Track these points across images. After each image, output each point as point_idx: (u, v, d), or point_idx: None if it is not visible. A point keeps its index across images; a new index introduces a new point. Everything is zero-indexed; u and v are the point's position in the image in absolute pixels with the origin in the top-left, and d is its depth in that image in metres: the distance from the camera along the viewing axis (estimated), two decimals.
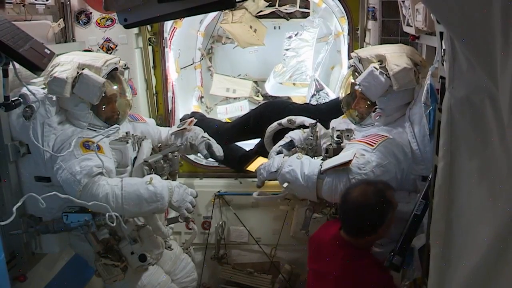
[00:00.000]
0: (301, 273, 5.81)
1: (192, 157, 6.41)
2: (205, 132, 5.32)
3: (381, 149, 3.85)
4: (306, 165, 3.97)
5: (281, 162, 4.19)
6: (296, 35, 8.56)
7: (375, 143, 3.89)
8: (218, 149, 5.18)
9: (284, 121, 5.06)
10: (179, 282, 5.05)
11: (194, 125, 5.33)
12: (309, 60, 8.50)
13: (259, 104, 7.01)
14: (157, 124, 5.59)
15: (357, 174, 3.79)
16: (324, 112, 5.32)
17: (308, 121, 4.84)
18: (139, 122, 5.05)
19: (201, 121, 6.50)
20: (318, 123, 4.77)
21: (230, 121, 7.70)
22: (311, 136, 4.62)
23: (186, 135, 5.15)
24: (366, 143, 3.92)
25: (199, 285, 5.99)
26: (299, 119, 4.92)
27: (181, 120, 6.85)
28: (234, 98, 8.84)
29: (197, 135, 5.16)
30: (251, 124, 6.27)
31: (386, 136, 3.95)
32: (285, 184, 4.05)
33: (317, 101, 7.39)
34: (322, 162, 3.98)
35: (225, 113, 8.57)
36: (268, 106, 6.50)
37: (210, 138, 5.23)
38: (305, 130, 4.85)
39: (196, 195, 4.45)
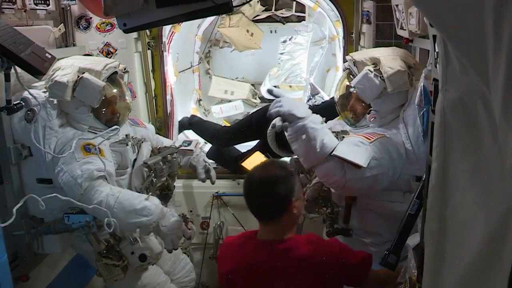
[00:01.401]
0: None
1: None
2: (203, 134, 5.37)
3: (377, 144, 3.84)
4: (329, 135, 3.86)
5: (308, 114, 3.88)
6: (290, 39, 8.59)
7: (372, 138, 3.88)
8: (214, 175, 5.42)
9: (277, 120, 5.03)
10: (178, 282, 5.06)
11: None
12: (304, 62, 8.56)
13: (262, 107, 7.01)
14: (155, 127, 5.62)
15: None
16: (319, 113, 5.36)
17: None
18: (139, 127, 5.06)
19: (200, 124, 6.51)
20: None
21: (228, 124, 7.73)
22: None
23: (189, 155, 5.20)
24: (364, 137, 3.91)
25: (198, 284, 6.00)
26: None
27: (179, 123, 6.87)
28: (230, 101, 8.85)
29: (199, 158, 5.24)
30: (253, 125, 6.29)
31: (383, 135, 3.95)
32: (304, 136, 3.81)
33: (312, 104, 7.41)
34: (337, 146, 3.85)
35: (220, 112, 8.59)
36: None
37: (210, 164, 5.33)
38: None
39: (191, 238, 4.40)
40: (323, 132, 3.83)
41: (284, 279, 3.16)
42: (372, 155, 3.81)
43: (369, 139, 3.89)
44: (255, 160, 5.60)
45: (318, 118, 3.91)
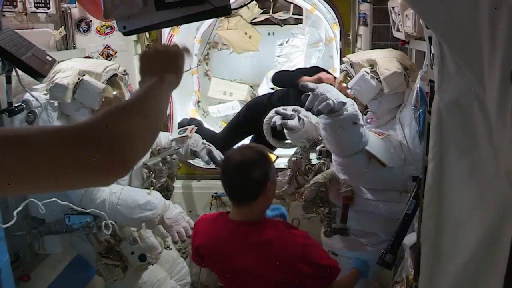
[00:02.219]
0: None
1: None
2: (202, 137, 5.34)
3: (386, 141, 3.84)
4: (363, 130, 3.67)
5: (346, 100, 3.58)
6: (287, 42, 8.61)
7: (382, 135, 3.88)
8: (218, 154, 5.16)
9: (288, 108, 4.95)
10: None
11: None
12: (300, 64, 8.56)
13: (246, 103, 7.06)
14: None
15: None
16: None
17: (311, 116, 4.76)
18: None
19: (198, 127, 6.52)
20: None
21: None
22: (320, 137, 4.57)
23: (187, 142, 5.14)
24: (376, 134, 3.89)
25: (197, 284, 6.00)
26: (304, 111, 4.84)
27: (179, 125, 6.87)
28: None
29: (197, 142, 5.16)
30: (242, 121, 6.32)
31: (388, 133, 3.95)
32: (356, 123, 3.57)
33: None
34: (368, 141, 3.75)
35: (217, 112, 8.59)
36: (252, 100, 6.63)
37: (210, 144, 5.23)
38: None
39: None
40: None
41: (244, 260, 3.20)
42: (391, 151, 3.82)
43: (380, 136, 3.88)
44: None
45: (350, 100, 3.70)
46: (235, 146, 6.60)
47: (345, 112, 3.49)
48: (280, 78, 6.37)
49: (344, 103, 3.47)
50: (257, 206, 3.25)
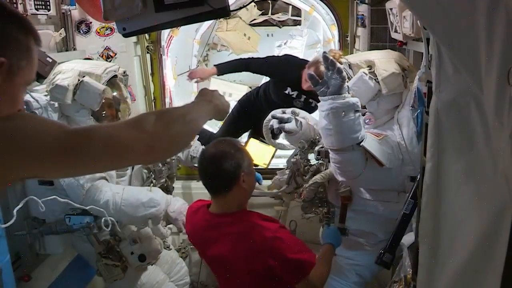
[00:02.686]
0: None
1: None
2: (201, 139, 5.36)
3: (383, 142, 3.84)
4: (360, 125, 3.72)
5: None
6: (285, 43, 8.62)
7: (379, 136, 3.88)
8: None
9: (287, 110, 4.96)
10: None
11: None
12: None
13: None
14: None
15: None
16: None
17: (309, 117, 4.77)
18: None
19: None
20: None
21: None
22: (318, 136, 4.58)
23: (187, 148, 5.17)
24: (373, 134, 3.90)
25: (197, 283, 6.00)
26: (302, 113, 4.84)
27: None
28: None
29: (197, 148, 5.21)
30: (236, 117, 6.34)
31: (386, 134, 3.95)
32: (352, 114, 3.62)
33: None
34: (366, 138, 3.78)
35: None
36: (244, 95, 6.82)
37: None
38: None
39: None
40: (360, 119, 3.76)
41: (218, 249, 3.29)
42: (389, 152, 3.82)
43: (378, 137, 3.88)
44: (252, 148, 5.66)
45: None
46: None
47: (347, 97, 3.58)
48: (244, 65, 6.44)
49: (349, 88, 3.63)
50: (232, 197, 3.32)
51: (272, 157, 5.34)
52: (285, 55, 6.36)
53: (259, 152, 5.40)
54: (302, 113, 4.77)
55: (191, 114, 2.18)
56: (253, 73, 6.42)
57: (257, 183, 4.09)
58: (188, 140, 2.28)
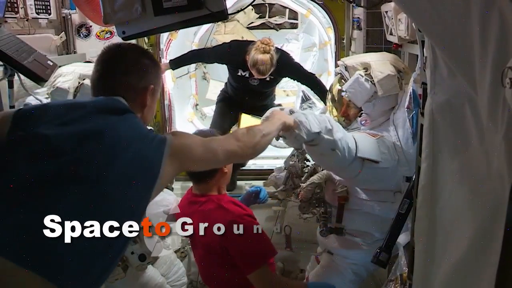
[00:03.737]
0: (293, 270, 5.81)
1: None
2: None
3: (380, 142, 3.84)
4: (350, 138, 3.68)
5: (324, 121, 3.51)
6: (281, 47, 8.62)
7: (374, 136, 3.88)
8: None
9: (286, 110, 4.96)
10: (170, 285, 5.07)
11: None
12: None
13: None
14: (154, 131, 5.61)
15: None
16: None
17: None
18: None
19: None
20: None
21: None
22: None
23: None
24: (369, 134, 3.90)
25: (196, 282, 5.99)
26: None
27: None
28: None
29: None
30: (221, 113, 6.39)
31: (382, 135, 3.95)
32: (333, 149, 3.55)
33: (304, 110, 7.47)
34: (357, 146, 3.73)
35: (212, 112, 8.61)
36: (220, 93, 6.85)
37: None
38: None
39: None
40: (347, 136, 3.68)
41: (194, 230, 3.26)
42: (380, 150, 3.82)
43: (374, 137, 3.88)
44: (245, 122, 5.75)
45: (328, 118, 3.61)
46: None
47: (320, 142, 3.46)
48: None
49: (318, 133, 3.40)
50: (213, 183, 3.51)
51: None
52: (232, 40, 6.39)
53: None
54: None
55: (267, 129, 2.79)
56: (207, 63, 6.47)
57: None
58: (266, 147, 2.77)
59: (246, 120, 5.89)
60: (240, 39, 6.54)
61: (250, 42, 5.85)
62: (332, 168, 3.94)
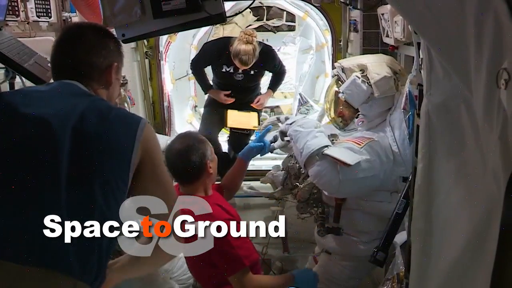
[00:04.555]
0: (291, 270, 5.81)
1: None
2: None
3: (367, 148, 3.85)
4: (312, 136, 3.94)
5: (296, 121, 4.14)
6: (278, 50, 8.64)
7: (362, 143, 3.89)
8: None
9: (282, 117, 5.01)
10: (176, 280, 5.06)
11: None
12: (293, 69, 8.60)
13: None
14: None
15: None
16: None
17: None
18: None
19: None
20: None
21: None
22: None
23: None
24: (355, 142, 3.91)
25: (195, 281, 6.00)
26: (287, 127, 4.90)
27: None
28: None
29: None
30: (209, 117, 6.37)
31: (371, 138, 3.96)
32: (291, 140, 4.08)
33: (301, 113, 7.52)
34: (329, 146, 3.91)
35: None
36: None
37: None
38: None
39: None
40: (310, 134, 3.93)
41: None
42: (364, 158, 3.81)
43: (360, 144, 3.89)
44: (232, 117, 6.02)
45: (309, 122, 4.04)
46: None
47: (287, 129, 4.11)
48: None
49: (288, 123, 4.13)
50: (199, 184, 3.51)
51: (259, 119, 5.90)
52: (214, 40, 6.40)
53: (242, 119, 5.92)
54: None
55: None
56: (205, 67, 6.40)
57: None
58: None
59: (233, 116, 5.95)
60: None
61: (232, 37, 5.94)
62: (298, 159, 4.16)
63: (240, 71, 5.94)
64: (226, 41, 5.95)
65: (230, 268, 3.31)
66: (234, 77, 6.02)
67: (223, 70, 6.00)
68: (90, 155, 1.95)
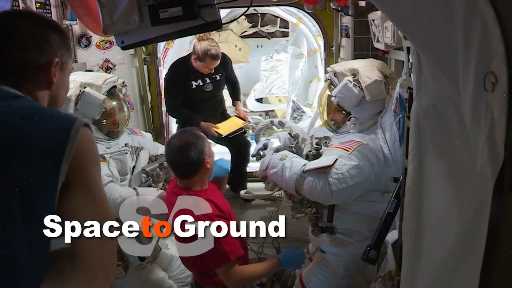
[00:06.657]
0: (286, 268, 5.80)
1: None
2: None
3: (356, 154, 3.86)
4: (287, 168, 3.98)
5: (269, 161, 4.22)
6: (271, 57, 8.66)
7: (350, 148, 3.90)
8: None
9: (275, 120, 5.04)
10: (175, 279, 5.05)
11: None
12: (285, 75, 8.62)
13: None
14: (152, 135, 5.61)
15: (334, 174, 3.78)
16: None
17: (294, 127, 4.83)
18: (137, 135, 5.05)
19: None
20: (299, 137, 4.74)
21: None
22: (292, 145, 4.60)
23: None
24: (343, 148, 3.93)
25: (193, 279, 5.99)
26: (288, 124, 4.92)
27: None
28: None
29: None
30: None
31: (360, 142, 3.96)
32: (274, 169, 4.14)
33: (294, 118, 7.57)
34: (306, 163, 3.97)
35: None
36: None
37: None
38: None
39: None
40: (283, 170, 4.06)
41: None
42: (353, 164, 3.82)
43: (348, 150, 3.90)
44: (229, 125, 6.19)
45: (275, 159, 4.19)
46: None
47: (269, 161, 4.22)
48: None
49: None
50: (196, 179, 3.52)
51: (236, 130, 6.04)
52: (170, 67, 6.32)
53: (229, 124, 6.18)
54: (289, 123, 4.90)
55: None
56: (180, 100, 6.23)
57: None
58: None
59: (222, 127, 6.17)
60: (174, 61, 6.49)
61: (185, 56, 6.10)
62: (286, 186, 4.21)
63: (207, 81, 5.99)
64: (184, 59, 6.02)
65: (217, 261, 3.34)
66: (205, 89, 6.05)
67: (193, 86, 5.99)
68: (5, 163, 1.59)
